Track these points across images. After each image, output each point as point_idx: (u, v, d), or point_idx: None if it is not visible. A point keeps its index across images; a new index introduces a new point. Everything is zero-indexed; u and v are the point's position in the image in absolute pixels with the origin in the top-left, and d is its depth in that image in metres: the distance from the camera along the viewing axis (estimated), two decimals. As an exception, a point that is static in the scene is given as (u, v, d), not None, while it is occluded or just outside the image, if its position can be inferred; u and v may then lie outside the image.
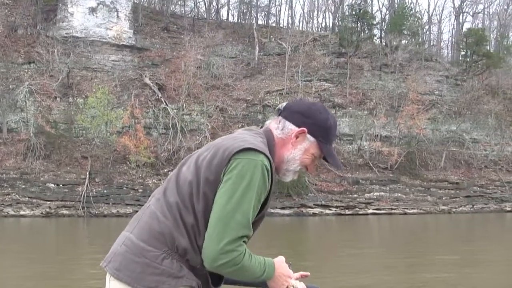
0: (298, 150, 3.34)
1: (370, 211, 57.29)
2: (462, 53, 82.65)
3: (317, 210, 54.59)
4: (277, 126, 3.38)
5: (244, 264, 3.01)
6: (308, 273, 3.64)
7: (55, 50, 58.68)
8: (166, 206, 3.15)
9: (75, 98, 58.12)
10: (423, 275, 16.10)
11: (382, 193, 59.59)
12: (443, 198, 62.78)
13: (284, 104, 3.46)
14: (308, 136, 3.32)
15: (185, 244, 3.08)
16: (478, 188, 65.40)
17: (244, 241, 3.02)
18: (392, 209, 58.52)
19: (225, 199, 2.98)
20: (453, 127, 68.07)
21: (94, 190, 51.43)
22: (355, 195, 58.38)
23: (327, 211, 55.17)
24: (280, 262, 3.32)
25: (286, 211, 53.55)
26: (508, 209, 64.19)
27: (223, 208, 2.97)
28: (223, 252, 2.94)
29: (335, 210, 55.78)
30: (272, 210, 51.64)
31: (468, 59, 79.08)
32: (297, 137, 3.32)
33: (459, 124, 68.16)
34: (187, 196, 3.11)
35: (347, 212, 55.76)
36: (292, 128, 3.33)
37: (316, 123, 3.33)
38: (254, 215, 3.06)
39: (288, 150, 3.34)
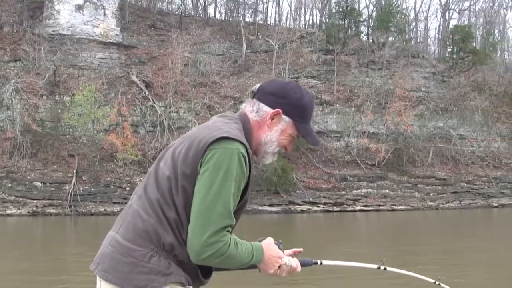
0: (274, 132, 3.32)
1: (358, 207, 57.33)
2: (449, 49, 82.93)
3: (305, 207, 54.59)
4: (252, 109, 3.36)
5: (230, 254, 3.00)
6: (301, 249, 3.69)
7: (42, 48, 58.34)
8: (148, 203, 3.14)
9: (61, 96, 57.81)
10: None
11: (370, 190, 59.67)
12: (431, 194, 62.92)
13: (258, 85, 3.43)
14: (284, 116, 3.31)
15: (171, 239, 3.06)
16: (465, 184, 65.64)
17: (228, 231, 3.01)
18: (379, 205, 58.60)
19: (204, 191, 2.97)
20: (440, 123, 68.22)
21: (81, 189, 51.19)
22: (343, 192, 58.41)
23: (315, 208, 55.17)
24: (268, 244, 3.31)
25: (274, 208, 53.53)
26: (495, 204, 64.46)
27: (203, 201, 2.96)
28: (207, 244, 2.93)
29: (323, 207, 55.79)
30: (260, 207, 51.66)
31: (454, 56, 79.32)
32: (272, 118, 3.30)
33: (446, 121, 68.32)
34: (166, 192, 3.09)
35: (335, 209, 55.76)
36: (266, 110, 3.31)
37: (290, 103, 3.30)
38: (235, 203, 3.05)
39: (264, 133, 3.33)
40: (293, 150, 3.22)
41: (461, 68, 76.84)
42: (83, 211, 49.94)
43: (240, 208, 3.20)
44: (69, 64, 60.40)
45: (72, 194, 50.04)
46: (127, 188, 52.24)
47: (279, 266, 3.33)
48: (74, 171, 51.68)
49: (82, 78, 59.09)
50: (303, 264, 3.57)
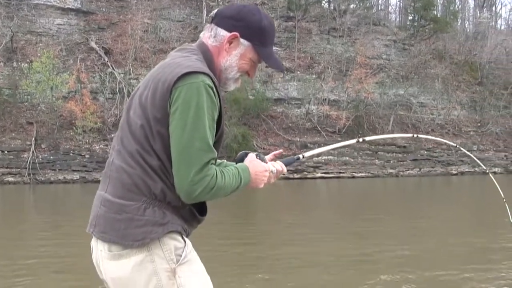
0: (233, 56, 3.27)
1: (319, 175, 57.56)
2: (410, 17, 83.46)
3: (265, 174, 54.59)
4: (210, 34, 3.30)
5: (219, 185, 3.01)
6: (280, 150, 3.87)
7: (-2, 14, 57.37)
8: (129, 156, 3.10)
9: (19, 63, 57.00)
10: (372, 241, 16.16)
11: (330, 157, 59.83)
12: (391, 162, 63.39)
13: (216, 10, 3.37)
14: (242, 40, 3.25)
15: (160, 187, 3.05)
16: (425, 152, 66.21)
17: (212, 164, 3.02)
18: (340, 172, 58.92)
19: (179, 131, 2.94)
20: (401, 91, 68.60)
21: (40, 157, 50.67)
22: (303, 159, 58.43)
23: (276, 175, 55.19)
24: (252, 162, 3.36)
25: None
26: (454, 172, 65.17)
27: (180, 141, 2.94)
28: (195, 182, 2.93)
29: (283, 174, 55.74)
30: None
31: (415, 24, 79.87)
32: (230, 42, 3.25)
33: (406, 88, 68.72)
34: (143, 140, 3.06)
35: (295, 176, 55.87)
36: (224, 34, 3.26)
37: (248, 26, 3.24)
38: (212, 136, 3.04)
39: (224, 58, 3.28)
40: (255, 75, 3.14)
41: (422, 36, 77.26)
42: (42, 179, 49.50)
43: (218, 139, 3.18)
44: (27, 30, 59.45)
45: (31, 162, 49.56)
46: (87, 156, 51.90)
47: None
48: (33, 139, 51.09)
49: (40, 44, 58.24)
50: (287, 164, 3.73)
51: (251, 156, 3.44)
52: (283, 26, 68.71)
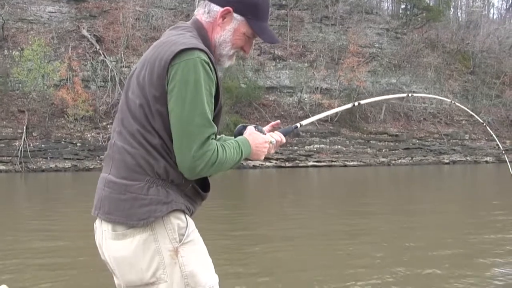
0: (227, 32, 3.26)
1: (310, 163, 57.68)
2: (402, 6, 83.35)
3: (257, 163, 54.53)
4: (204, 10, 3.30)
5: (221, 159, 3.04)
6: (278, 121, 3.87)
7: (-12, 1, 57.14)
8: (130, 136, 3.11)
9: (10, 51, 56.80)
10: (365, 223, 16.15)
11: (322, 146, 59.97)
12: (383, 150, 63.53)
13: None
14: (235, 15, 3.24)
15: (163, 165, 3.05)
16: (417, 141, 66.40)
17: (212, 139, 3.02)
18: (332, 161, 59.03)
19: (178, 108, 2.95)
20: (393, 80, 68.70)
21: (31, 145, 50.57)
22: (295, 148, 58.57)
23: (267, 164, 55.27)
24: (251, 134, 3.40)
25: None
26: (446, 161, 65.42)
27: (180, 118, 2.95)
28: (197, 158, 2.95)
29: (275, 163, 55.96)
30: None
31: (408, 13, 79.87)
32: (223, 18, 3.24)
33: (399, 77, 68.83)
34: (144, 120, 3.07)
35: (287, 164, 55.98)
36: (217, 9, 3.24)
37: (241, 0, 3.23)
38: (211, 111, 3.04)
39: (217, 33, 3.27)
40: (250, 51, 3.17)
41: (414, 25, 77.29)
42: (34, 167, 49.41)
43: (217, 114, 3.18)
44: (18, 18, 59.25)
45: (22, 150, 49.47)
46: (78, 144, 51.83)
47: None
48: (24, 127, 50.98)
49: (32, 32, 58.01)
50: (286, 134, 3.71)
51: (250, 128, 3.48)
52: (275, 14, 68.61)
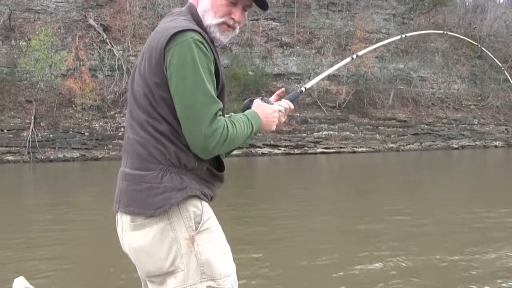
0: (206, 0, 3.26)
1: (319, 150, 57.55)
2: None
3: (266, 150, 54.50)
4: None
5: (232, 134, 3.07)
6: (283, 89, 3.94)
7: (-5, -8, 57.04)
8: (139, 127, 3.15)
9: (17, 41, 56.68)
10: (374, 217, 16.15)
11: (331, 132, 59.85)
12: (391, 136, 63.36)
13: None
14: None
15: (174, 150, 3.08)
16: (426, 126, 66.20)
17: (220, 115, 3.05)
18: (341, 147, 58.89)
19: (181, 91, 2.97)
20: (401, 65, 68.47)
21: (39, 135, 50.54)
22: (304, 134, 58.45)
23: (276, 151, 55.19)
24: (259, 106, 3.44)
25: (235, 152, 52.92)
26: (455, 146, 65.26)
27: (184, 100, 2.98)
28: (208, 136, 2.98)
29: (284, 150, 55.86)
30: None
31: (415, -3, 79.33)
32: None
33: (406, 63, 68.61)
34: (149, 108, 3.10)
35: (296, 151, 55.90)
36: None
37: None
38: (214, 88, 3.06)
39: (199, 5, 3.29)
40: (243, 19, 3.16)
41: (421, 10, 76.97)
42: (42, 157, 49.37)
43: (221, 91, 3.18)
44: (25, 8, 59.11)
45: (31, 140, 49.42)
46: (86, 134, 51.78)
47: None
48: (32, 117, 50.94)
49: (38, 22, 57.93)
50: (292, 100, 3.83)
51: (257, 101, 3.48)
52: (282, 1, 68.42)
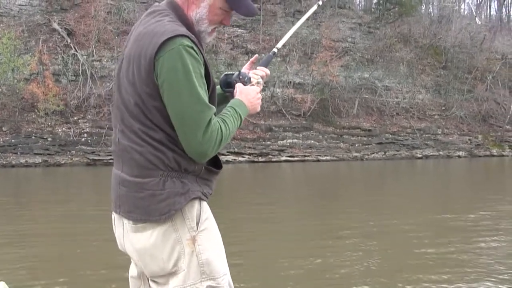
0: (202, 9, 3.26)
1: (283, 158, 57.54)
2: (375, 1, 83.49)
3: (230, 158, 54.28)
4: None
5: (225, 133, 3.13)
6: (256, 55, 3.99)
7: (-44, -6, 56.36)
8: (134, 135, 3.14)
9: (-21, 44, 56.09)
10: (336, 221, 16.13)
11: (295, 140, 59.89)
12: (356, 145, 63.54)
13: None
14: None
15: (172, 156, 3.11)
16: (390, 135, 66.48)
17: (213, 119, 3.08)
18: (305, 156, 58.93)
19: (174, 100, 2.99)
20: (366, 74, 68.75)
21: (1, 140, 49.96)
22: (268, 142, 58.42)
23: (240, 159, 55.03)
24: (242, 92, 3.45)
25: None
26: (419, 156, 65.64)
27: (178, 109, 2.99)
28: (204, 142, 3.02)
29: (248, 158, 55.76)
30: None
31: (380, 7, 79.86)
32: None
33: (371, 72, 68.92)
34: (142, 117, 3.10)
35: (260, 159, 55.85)
36: None
37: None
38: (206, 93, 3.08)
39: (193, 11, 3.26)
40: (229, 23, 3.28)
41: (387, 20, 77.38)
42: (4, 162, 48.73)
43: (212, 93, 3.22)
44: (-13, 11, 58.54)
45: (-8, 145, 48.88)
46: (49, 139, 51.25)
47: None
48: (-6, 122, 50.39)
49: (1, 25, 57.18)
50: (267, 65, 3.87)
51: (239, 86, 3.46)
52: (248, 8, 68.36)
